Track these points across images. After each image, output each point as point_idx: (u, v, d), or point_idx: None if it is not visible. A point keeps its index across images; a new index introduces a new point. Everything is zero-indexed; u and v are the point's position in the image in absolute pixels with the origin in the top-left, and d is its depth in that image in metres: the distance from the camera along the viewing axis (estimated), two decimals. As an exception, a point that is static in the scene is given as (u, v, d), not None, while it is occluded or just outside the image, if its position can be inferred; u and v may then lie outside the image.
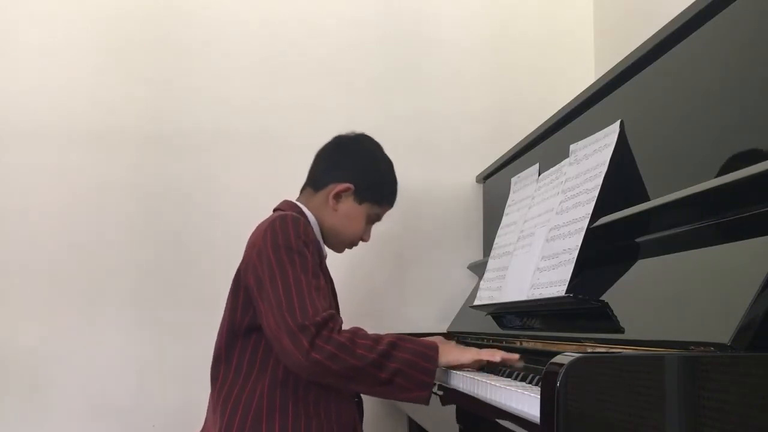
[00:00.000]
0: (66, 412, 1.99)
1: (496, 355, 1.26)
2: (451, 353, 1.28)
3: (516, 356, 1.25)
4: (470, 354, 1.28)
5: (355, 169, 1.50)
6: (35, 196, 2.04)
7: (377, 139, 1.60)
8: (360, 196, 1.49)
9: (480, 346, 1.38)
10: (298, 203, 1.49)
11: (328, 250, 1.54)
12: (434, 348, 1.25)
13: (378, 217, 1.57)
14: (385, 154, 1.57)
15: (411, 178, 2.21)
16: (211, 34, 2.16)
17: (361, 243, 1.58)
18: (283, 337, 1.21)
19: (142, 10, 2.13)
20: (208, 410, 1.42)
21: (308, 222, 1.43)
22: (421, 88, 2.25)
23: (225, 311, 1.39)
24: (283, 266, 1.27)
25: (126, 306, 2.05)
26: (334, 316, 1.25)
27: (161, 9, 2.15)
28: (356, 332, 1.24)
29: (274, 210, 1.49)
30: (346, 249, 1.58)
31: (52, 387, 1.99)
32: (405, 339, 1.25)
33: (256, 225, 1.41)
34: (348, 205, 1.49)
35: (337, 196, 1.48)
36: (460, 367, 1.30)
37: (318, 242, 1.40)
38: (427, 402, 1.24)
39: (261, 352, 1.32)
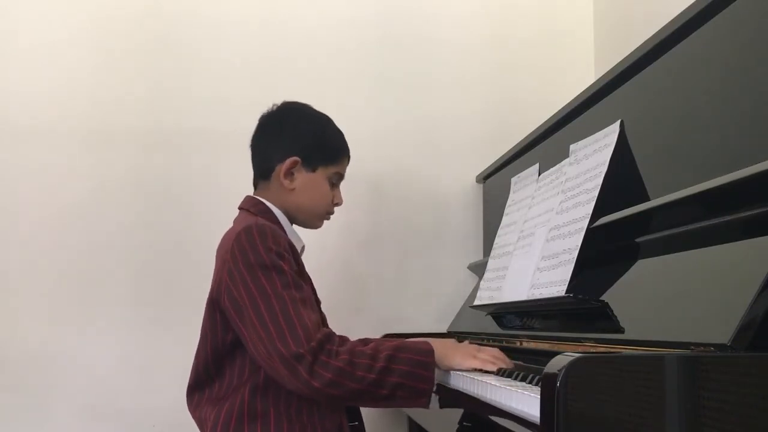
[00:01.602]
0: (66, 412, 1.99)
1: (498, 364, 1.24)
2: (453, 358, 1.25)
3: (511, 365, 1.24)
4: (472, 362, 1.24)
5: (291, 140, 1.43)
6: (35, 196, 2.04)
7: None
8: (310, 164, 1.42)
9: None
10: (260, 198, 1.43)
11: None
12: (430, 353, 1.23)
13: (340, 176, 1.49)
14: (317, 112, 1.50)
15: (411, 178, 2.22)
16: (211, 34, 2.16)
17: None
18: (278, 366, 1.17)
19: (142, 10, 2.13)
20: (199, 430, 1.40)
21: (275, 221, 1.38)
22: (421, 88, 2.25)
23: (203, 332, 1.34)
24: (262, 288, 1.21)
25: (126, 306, 2.05)
26: (330, 336, 1.21)
27: (161, 9, 2.14)
28: (353, 351, 1.20)
29: (240, 208, 1.45)
30: (325, 221, 1.51)
31: (52, 387, 1.99)
32: (401, 348, 1.22)
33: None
34: (302, 177, 1.42)
35: (288, 174, 1.42)
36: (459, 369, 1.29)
37: (291, 244, 1.33)
38: (426, 406, 1.23)
39: (247, 364, 1.29)
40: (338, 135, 1.49)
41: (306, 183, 1.43)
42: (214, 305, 1.31)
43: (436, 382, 1.27)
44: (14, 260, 2.02)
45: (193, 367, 1.36)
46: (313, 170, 1.43)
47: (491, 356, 1.26)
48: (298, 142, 1.43)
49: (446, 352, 1.26)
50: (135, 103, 2.11)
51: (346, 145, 1.50)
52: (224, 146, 2.13)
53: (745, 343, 0.82)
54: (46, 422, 1.98)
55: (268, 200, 1.43)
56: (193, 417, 1.37)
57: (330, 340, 1.20)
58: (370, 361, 1.18)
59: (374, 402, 1.23)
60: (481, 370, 1.32)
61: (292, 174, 1.42)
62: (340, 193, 1.50)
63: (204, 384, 1.34)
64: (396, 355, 1.20)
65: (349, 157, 1.51)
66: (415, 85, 2.25)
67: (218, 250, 1.36)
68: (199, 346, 1.36)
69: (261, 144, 1.48)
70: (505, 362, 1.25)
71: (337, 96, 2.18)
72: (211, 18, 2.17)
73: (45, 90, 2.07)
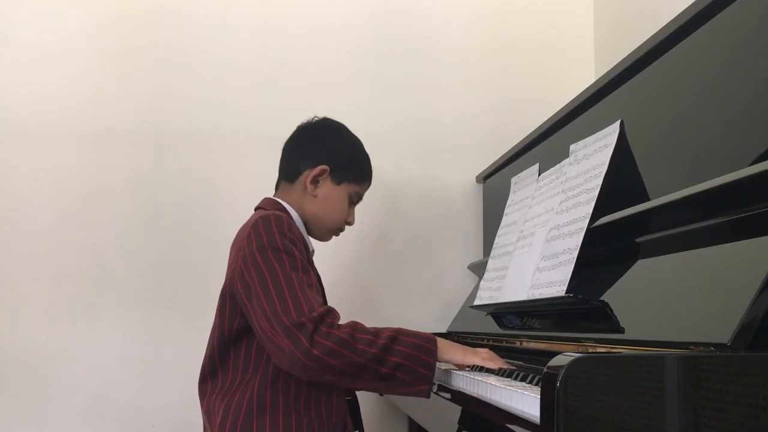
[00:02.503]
0: (66, 411, 1.99)
1: (498, 363, 1.26)
2: (455, 352, 1.27)
3: (505, 365, 1.26)
4: (473, 358, 1.27)
5: (326, 151, 1.48)
6: (35, 196, 2.04)
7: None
8: (337, 177, 1.47)
9: (479, 347, 1.38)
10: (278, 199, 1.47)
11: (316, 244, 1.53)
12: (433, 341, 1.25)
13: (359, 197, 1.54)
14: (352, 133, 1.55)
15: (411, 178, 2.23)
16: (210, 34, 2.17)
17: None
18: (280, 337, 1.18)
19: (142, 10, 2.13)
20: (203, 420, 1.41)
21: (291, 218, 1.41)
22: (421, 88, 2.26)
23: (215, 322, 1.37)
24: (271, 267, 1.25)
25: (126, 306, 2.05)
26: (332, 310, 1.23)
27: (161, 10, 2.15)
28: (355, 326, 1.22)
29: (256, 208, 1.48)
30: (333, 237, 1.55)
31: (52, 387, 1.99)
32: (404, 332, 1.24)
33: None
34: (327, 188, 1.47)
35: (314, 181, 1.46)
36: (461, 366, 1.30)
37: (304, 238, 1.37)
38: (428, 395, 1.23)
39: (253, 354, 1.31)
40: (368, 159, 1.56)
41: (328, 193, 1.47)
42: (225, 295, 1.34)
43: (437, 382, 1.27)
44: (14, 260, 2.02)
45: (203, 358, 1.39)
46: (339, 183, 1.48)
47: (488, 356, 1.28)
48: (331, 154, 1.48)
49: (447, 347, 1.28)
50: (135, 104, 2.11)
51: (372, 170, 1.56)
52: (224, 147, 2.13)
53: (745, 343, 0.82)
54: (46, 422, 1.98)
55: (287, 202, 1.46)
56: (201, 406, 1.39)
57: (331, 315, 1.22)
58: (372, 337, 1.20)
59: (374, 381, 1.22)
60: (481, 369, 1.32)
61: (318, 182, 1.47)
62: (354, 213, 1.55)
63: (210, 375, 1.36)
64: (399, 337, 1.22)
65: (370, 182, 1.56)
66: (415, 85, 2.25)
67: (234, 242, 1.39)
68: (209, 337, 1.39)
69: (294, 147, 1.52)
70: (499, 362, 1.27)
71: (337, 96, 2.18)
72: (211, 18, 2.17)
73: (45, 90, 2.07)
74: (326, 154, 1.47)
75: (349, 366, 1.18)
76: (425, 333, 1.27)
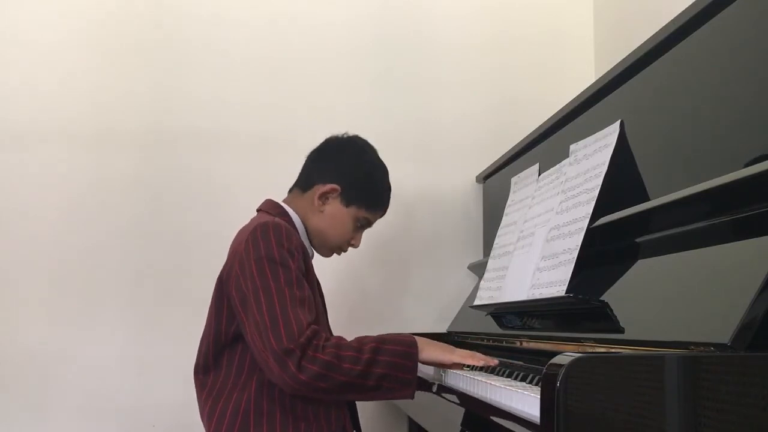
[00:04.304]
0: (66, 411, 1.99)
1: (478, 360, 1.26)
2: (433, 351, 1.27)
3: (495, 361, 1.26)
4: (451, 356, 1.27)
5: (343, 171, 1.47)
6: (35, 196, 2.04)
7: (378, 138, 1.59)
8: (347, 198, 1.46)
9: (480, 347, 1.38)
10: (282, 203, 1.47)
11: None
12: (413, 344, 1.25)
13: (368, 222, 1.53)
14: (379, 159, 1.54)
15: (411, 178, 2.23)
16: (211, 34, 2.16)
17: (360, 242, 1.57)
18: (269, 359, 1.19)
19: (142, 10, 2.13)
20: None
21: (292, 225, 1.41)
22: (421, 88, 2.25)
23: (209, 318, 1.37)
24: (265, 280, 1.25)
25: (126, 306, 2.05)
26: (317, 332, 1.22)
27: (161, 10, 2.14)
28: (339, 344, 1.22)
29: (258, 210, 1.48)
30: (335, 254, 1.55)
31: (52, 387, 1.99)
32: (385, 341, 1.24)
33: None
34: (334, 206, 1.46)
35: (323, 197, 1.45)
36: (439, 365, 1.30)
37: (303, 246, 1.36)
38: (411, 397, 1.24)
39: (248, 358, 1.31)
40: (386, 188, 1.54)
41: (334, 213, 1.47)
42: (221, 293, 1.34)
43: (437, 383, 1.27)
44: (14, 260, 2.01)
45: (198, 349, 1.39)
46: (347, 205, 1.47)
47: (468, 354, 1.28)
48: (347, 174, 1.47)
49: (428, 346, 1.28)
50: (135, 104, 2.11)
51: (388, 201, 1.55)
52: (224, 146, 2.13)
53: (745, 343, 0.82)
54: (45, 422, 1.98)
55: (293, 208, 1.46)
56: (196, 391, 1.40)
57: (317, 336, 1.22)
58: (356, 354, 1.21)
59: (361, 394, 1.25)
60: (481, 369, 1.32)
61: (327, 198, 1.46)
62: (360, 237, 1.55)
63: (203, 371, 1.37)
64: (380, 347, 1.22)
65: (384, 212, 1.55)
66: (415, 85, 2.25)
67: (232, 243, 1.39)
68: (204, 330, 1.39)
69: (315, 158, 1.52)
70: (486, 360, 1.26)
71: (337, 96, 2.18)
72: (211, 18, 2.17)
73: (45, 90, 2.07)
74: (342, 174, 1.46)
75: (337, 386, 1.19)
76: (405, 336, 1.27)
